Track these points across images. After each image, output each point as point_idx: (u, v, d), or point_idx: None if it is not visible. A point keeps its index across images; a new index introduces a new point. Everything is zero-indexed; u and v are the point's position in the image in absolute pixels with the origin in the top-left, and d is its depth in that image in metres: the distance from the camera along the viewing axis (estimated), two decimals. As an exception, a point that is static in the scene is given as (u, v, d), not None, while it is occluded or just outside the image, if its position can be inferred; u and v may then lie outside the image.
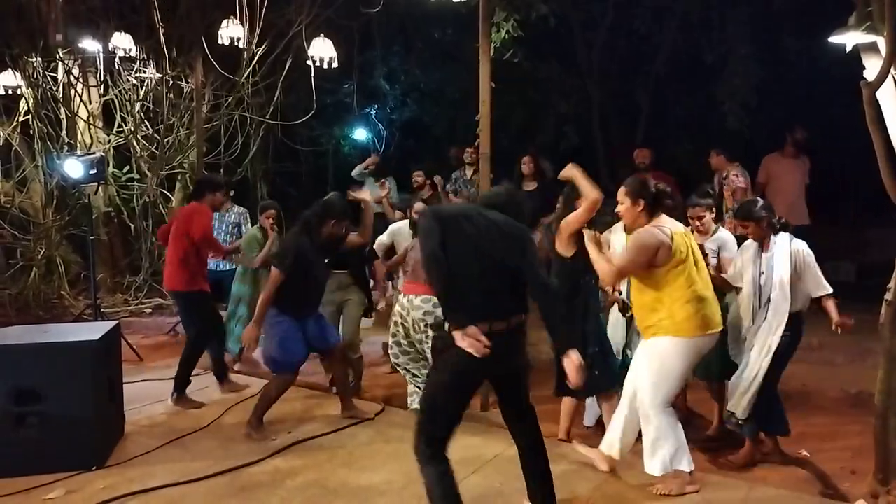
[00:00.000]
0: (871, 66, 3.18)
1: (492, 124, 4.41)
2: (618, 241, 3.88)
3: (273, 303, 3.82)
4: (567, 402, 3.91)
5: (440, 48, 10.03)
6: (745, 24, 6.56)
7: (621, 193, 3.24)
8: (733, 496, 3.13)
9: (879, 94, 3.12)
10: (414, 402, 4.36)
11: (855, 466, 3.67)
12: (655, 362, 3.21)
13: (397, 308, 4.30)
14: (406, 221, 5.23)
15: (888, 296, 3.19)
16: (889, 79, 3.08)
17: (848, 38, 3.20)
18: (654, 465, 3.20)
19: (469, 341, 2.49)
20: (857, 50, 3.23)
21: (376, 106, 12.76)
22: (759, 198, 3.75)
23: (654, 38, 7.85)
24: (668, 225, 3.19)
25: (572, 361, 2.64)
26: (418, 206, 5.12)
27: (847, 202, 6.32)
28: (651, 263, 3.13)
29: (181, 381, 4.49)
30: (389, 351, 4.41)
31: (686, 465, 3.19)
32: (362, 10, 6.21)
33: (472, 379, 2.71)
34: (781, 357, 3.57)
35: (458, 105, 9.05)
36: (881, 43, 3.09)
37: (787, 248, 3.58)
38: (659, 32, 7.78)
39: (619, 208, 3.27)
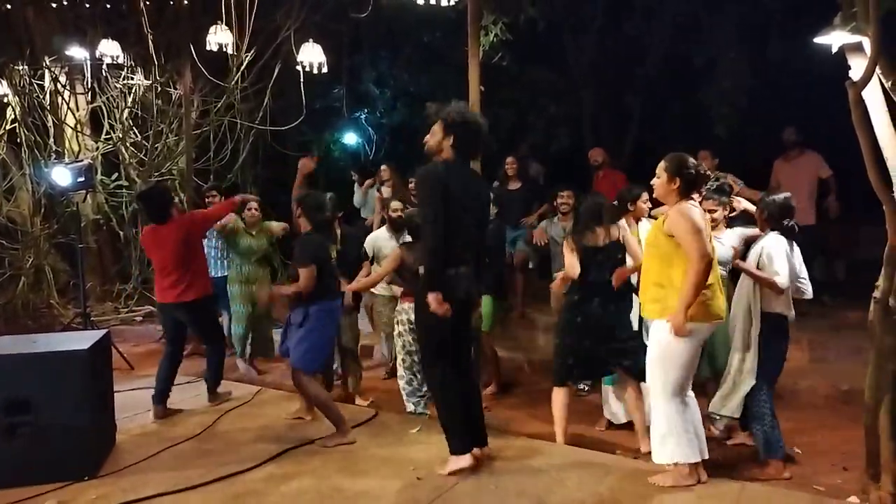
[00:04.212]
0: (857, 67, 3.21)
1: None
2: (644, 229, 3.98)
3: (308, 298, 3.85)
4: (559, 398, 3.90)
5: (429, 52, 10.04)
6: (733, 26, 6.62)
7: (660, 168, 3.24)
8: (727, 494, 3.14)
9: (865, 94, 3.15)
10: (418, 406, 4.37)
11: (846, 462, 3.69)
12: (660, 349, 3.21)
13: (403, 317, 4.33)
14: (382, 229, 5.24)
15: (877, 293, 3.22)
16: (875, 79, 3.12)
17: (833, 39, 3.23)
18: (661, 455, 3.22)
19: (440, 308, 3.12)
20: (843, 50, 3.27)
21: (366, 110, 12.76)
22: (784, 195, 3.74)
23: (644, 41, 7.89)
24: (698, 207, 3.24)
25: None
26: (395, 204, 5.12)
27: (838, 200, 6.35)
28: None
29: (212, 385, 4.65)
30: (401, 364, 4.42)
31: (695, 457, 3.18)
32: (351, 14, 6.21)
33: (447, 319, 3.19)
34: (765, 361, 3.60)
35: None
36: (866, 43, 3.12)
37: (760, 246, 3.64)
38: (649, 35, 7.82)
39: (654, 181, 3.28)
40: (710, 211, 4.08)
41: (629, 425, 4.14)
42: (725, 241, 4.07)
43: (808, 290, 3.74)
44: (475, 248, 3.34)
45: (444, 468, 3.35)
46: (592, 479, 3.33)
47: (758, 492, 3.19)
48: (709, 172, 3.35)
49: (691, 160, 3.21)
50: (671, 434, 3.20)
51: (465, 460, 3.31)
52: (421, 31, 9.42)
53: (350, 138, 12.65)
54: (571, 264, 3.90)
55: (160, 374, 4.39)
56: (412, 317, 4.02)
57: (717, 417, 3.85)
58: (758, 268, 3.62)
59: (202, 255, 4.59)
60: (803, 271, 3.73)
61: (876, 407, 3.23)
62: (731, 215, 4.24)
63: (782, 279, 3.53)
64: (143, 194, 4.72)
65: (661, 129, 8.22)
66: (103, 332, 4.03)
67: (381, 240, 5.11)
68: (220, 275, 5.76)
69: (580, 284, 3.91)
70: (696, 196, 3.84)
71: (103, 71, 7.40)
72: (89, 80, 7.56)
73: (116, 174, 8.00)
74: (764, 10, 6.21)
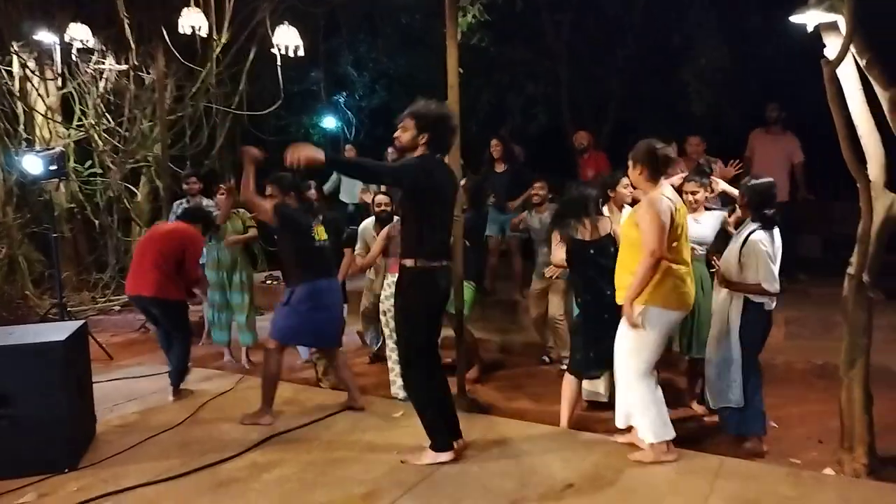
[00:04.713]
0: (832, 45, 3.24)
1: (460, 110, 4.38)
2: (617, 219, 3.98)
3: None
4: (571, 386, 3.90)
5: (407, 34, 9.93)
6: (710, 3, 6.62)
7: (630, 158, 3.30)
8: (706, 468, 3.19)
9: (840, 72, 3.18)
10: (398, 391, 4.37)
11: (822, 436, 3.78)
12: (634, 333, 3.26)
13: (389, 292, 4.28)
14: (371, 219, 5.20)
15: (850, 269, 3.28)
16: (849, 57, 3.14)
17: (809, 18, 3.25)
18: (650, 434, 3.27)
19: None
20: (819, 29, 3.28)
21: (345, 93, 12.62)
22: (765, 181, 3.71)
23: (622, 20, 7.86)
24: (669, 194, 3.25)
25: None
26: (380, 198, 5.09)
27: (813, 177, 6.43)
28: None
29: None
30: (389, 340, 4.42)
31: (668, 433, 3.27)
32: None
33: (429, 307, 3.27)
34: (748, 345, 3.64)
35: (427, 91, 8.96)
36: (841, 21, 3.14)
37: (743, 235, 3.64)
38: (627, 13, 7.78)
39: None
40: (692, 192, 4.13)
41: (609, 405, 4.17)
42: (704, 223, 4.10)
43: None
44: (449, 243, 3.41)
45: (420, 458, 3.34)
46: (576, 457, 3.37)
47: (736, 466, 3.26)
48: (670, 154, 3.32)
49: (655, 144, 3.24)
50: (648, 412, 3.26)
51: (446, 456, 3.32)
52: (399, 12, 9.30)
53: (329, 122, 12.52)
54: (558, 255, 3.92)
55: (167, 352, 4.51)
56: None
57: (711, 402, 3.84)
58: (739, 261, 3.62)
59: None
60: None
61: (850, 381, 3.31)
62: (711, 196, 4.28)
63: (772, 286, 3.52)
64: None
65: (640, 108, 8.23)
66: (80, 322, 3.98)
67: (368, 231, 5.11)
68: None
69: (584, 284, 3.87)
70: (675, 179, 3.90)
71: (73, 56, 7.21)
72: (59, 65, 7.37)
73: (90, 161, 7.84)
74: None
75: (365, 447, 3.59)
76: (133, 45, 7.04)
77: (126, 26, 6.82)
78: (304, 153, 2.97)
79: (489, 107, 8.42)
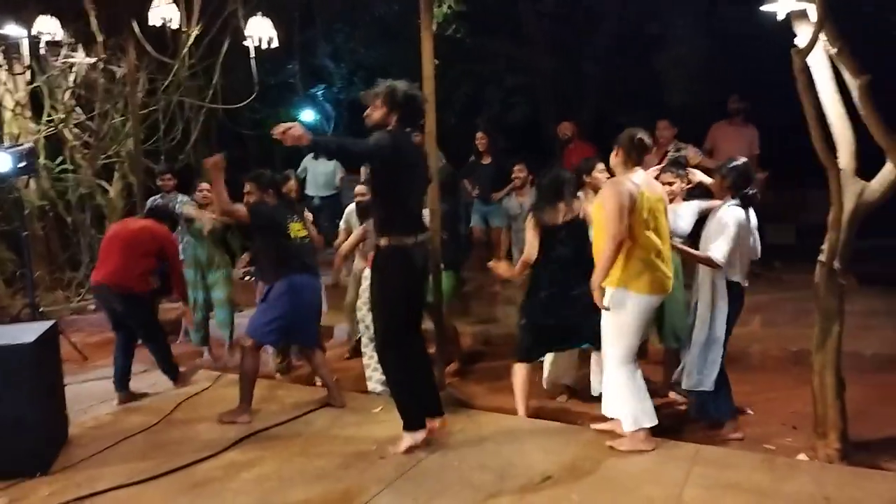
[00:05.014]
0: (803, 34, 3.25)
1: (436, 101, 4.35)
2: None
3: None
4: (521, 374, 3.92)
5: (384, 26, 9.83)
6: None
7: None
8: (683, 456, 3.22)
9: (811, 61, 3.19)
10: (375, 386, 4.35)
11: (796, 422, 3.83)
12: (610, 318, 3.30)
13: (367, 284, 4.23)
14: (353, 205, 5.17)
15: (822, 256, 3.31)
16: (820, 46, 3.15)
17: (780, 6, 3.26)
18: (628, 422, 3.29)
19: None
20: (791, 18, 3.29)
21: (323, 86, 12.50)
22: (742, 161, 3.72)
23: (600, 9, 7.84)
24: (638, 180, 3.25)
25: None
26: (359, 188, 5.05)
27: (787, 165, 6.49)
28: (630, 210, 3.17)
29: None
30: (367, 344, 4.39)
31: (648, 421, 3.29)
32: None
33: (407, 285, 3.31)
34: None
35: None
36: (811, 10, 3.15)
37: (716, 217, 3.64)
38: (603, 3, 7.77)
39: None
40: (668, 183, 4.13)
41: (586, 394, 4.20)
42: (682, 214, 4.11)
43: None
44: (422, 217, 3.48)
45: (398, 446, 3.35)
46: (555, 448, 3.38)
47: (712, 453, 3.29)
48: (648, 141, 3.34)
49: (635, 131, 3.31)
50: (627, 399, 3.29)
51: (419, 435, 3.34)
52: (375, 3, 9.20)
53: (307, 115, 12.40)
54: (532, 245, 3.90)
55: (117, 358, 4.31)
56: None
57: (684, 391, 3.87)
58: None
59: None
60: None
61: (822, 368, 3.35)
62: (688, 187, 4.29)
63: (717, 255, 3.48)
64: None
65: (619, 97, 8.25)
66: (50, 323, 3.90)
67: (353, 213, 5.10)
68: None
69: (543, 261, 3.90)
70: (651, 170, 3.93)
71: (42, 49, 7.04)
72: (27, 59, 7.18)
73: (61, 158, 7.67)
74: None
75: (344, 443, 3.57)
76: (101, 38, 6.86)
77: (92, 18, 6.65)
78: (291, 132, 2.94)
79: (466, 98, 8.38)
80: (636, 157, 3.30)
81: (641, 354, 4.05)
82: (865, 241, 3.65)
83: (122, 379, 4.33)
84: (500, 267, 4.16)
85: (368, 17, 9.66)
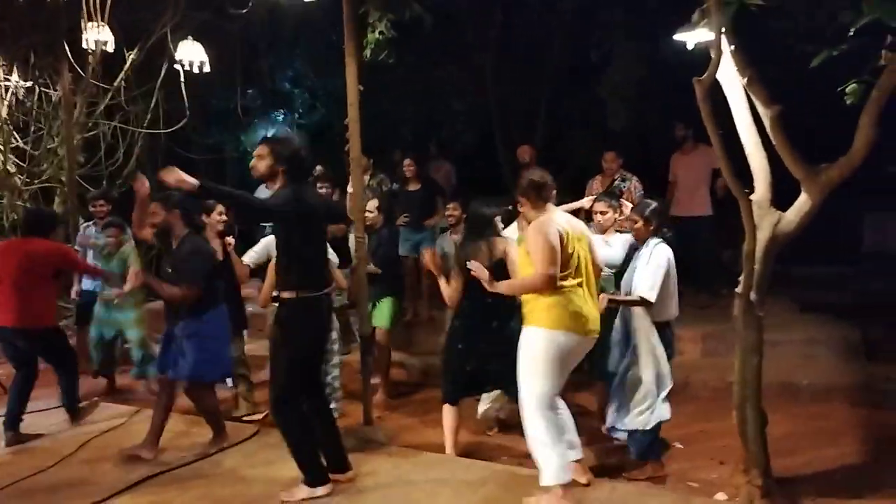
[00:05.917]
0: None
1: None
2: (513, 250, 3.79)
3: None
4: (449, 416, 3.77)
5: (338, 51, 9.78)
6: (623, 22, 6.70)
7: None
8: (597, 498, 3.09)
9: (726, 90, 3.17)
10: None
11: (724, 457, 3.74)
12: (524, 360, 3.16)
13: None
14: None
15: (739, 288, 3.24)
16: (735, 74, 3.13)
17: (690, 37, 3.24)
18: (545, 476, 3.05)
19: None
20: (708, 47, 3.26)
21: (283, 111, 12.40)
22: (655, 203, 3.74)
23: (547, 37, 7.89)
24: (559, 220, 3.18)
25: None
26: None
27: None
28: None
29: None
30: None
31: (566, 477, 3.06)
32: (231, 11, 5.96)
33: (309, 341, 3.24)
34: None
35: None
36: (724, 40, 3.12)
37: (649, 256, 3.57)
38: (550, 32, 7.82)
39: None
40: (602, 213, 4.12)
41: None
42: (614, 244, 4.04)
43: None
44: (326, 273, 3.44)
45: (293, 494, 3.17)
46: (468, 489, 3.24)
47: (628, 491, 3.19)
48: (543, 180, 3.27)
49: (530, 175, 3.28)
50: (540, 451, 3.09)
51: (322, 490, 3.18)
52: (326, 29, 9.17)
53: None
54: (454, 290, 3.75)
55: (11, 396, 4.06)
56: None
57: (623, 431, 3.65)
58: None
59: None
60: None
61: (743, 401, 3.26)
62: (620, 219, 4.22)
63: (647, 293, 3.46)
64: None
65: (564, 124, 8.28)
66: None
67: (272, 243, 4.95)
68: (89, 289, 5.40)
69: (465, 301, 3.77)
70: (585, 201, 3.89)
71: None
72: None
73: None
74: (650, 6, 6.30)
75: (251, 483, 3.40)
76: (33, 62, 6.70)
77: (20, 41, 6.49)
78: (173, 177, 2.95)
79: (412, 124, 8.33)
80: (542, 196, 3.24)
81: (575, 388, 3.95)
82: (808, 268, 3.67)
83: (14, 419, 4.06)
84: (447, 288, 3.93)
85: (322, 43, 9.60)
